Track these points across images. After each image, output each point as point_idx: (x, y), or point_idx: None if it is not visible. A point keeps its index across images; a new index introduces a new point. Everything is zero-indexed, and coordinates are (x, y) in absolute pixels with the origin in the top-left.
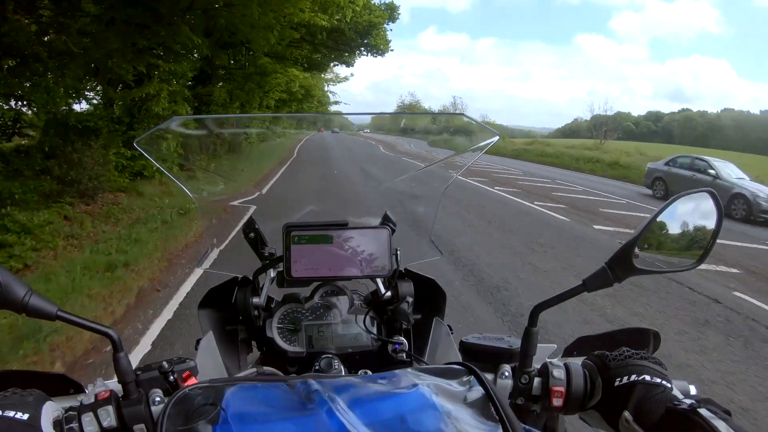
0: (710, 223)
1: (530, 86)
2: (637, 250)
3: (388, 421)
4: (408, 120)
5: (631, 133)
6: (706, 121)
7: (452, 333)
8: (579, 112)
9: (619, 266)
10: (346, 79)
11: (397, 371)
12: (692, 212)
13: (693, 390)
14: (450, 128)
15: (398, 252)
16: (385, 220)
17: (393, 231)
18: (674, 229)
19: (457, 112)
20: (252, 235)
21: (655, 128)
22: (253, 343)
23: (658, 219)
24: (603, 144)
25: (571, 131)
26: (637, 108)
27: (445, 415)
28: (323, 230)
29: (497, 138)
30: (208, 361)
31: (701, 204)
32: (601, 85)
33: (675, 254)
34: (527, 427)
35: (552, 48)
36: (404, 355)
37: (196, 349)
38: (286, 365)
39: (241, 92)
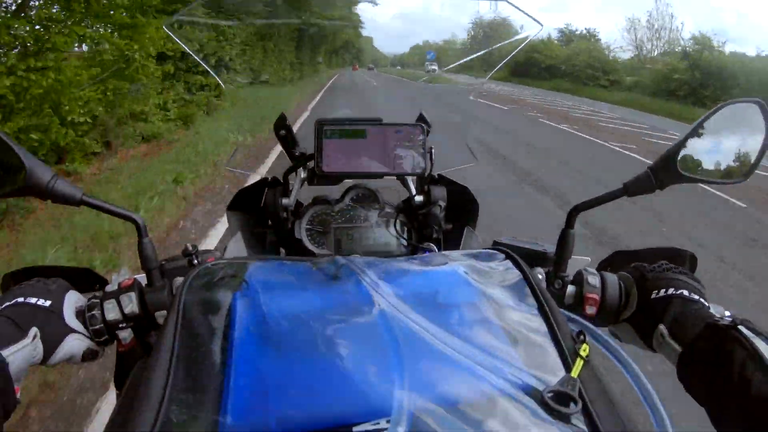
0: (758, 136)
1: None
2: (682, 155)
3: (420, 293)
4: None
5: None
6: None
7: (499, 239)
8: None
9: (663, 171)
10: None
11: (432, 253)
12: (740, 122)
13: (728, 314)
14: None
15: (433, 151)
16: (420, 120)
17: (428, 131)
18: (720, 137)
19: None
20: (283, 132)
21: None
22: (282, 250)
23: (705, 126)
24: None
25: None
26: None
27: (479, 292)
28: (357, 125)
29: (541, 28)
30: None
31: (749, 114)
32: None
33: (721, 164)
34: (565, 311)
35: None
36: None
37: (224, 252)
38: None
39: None
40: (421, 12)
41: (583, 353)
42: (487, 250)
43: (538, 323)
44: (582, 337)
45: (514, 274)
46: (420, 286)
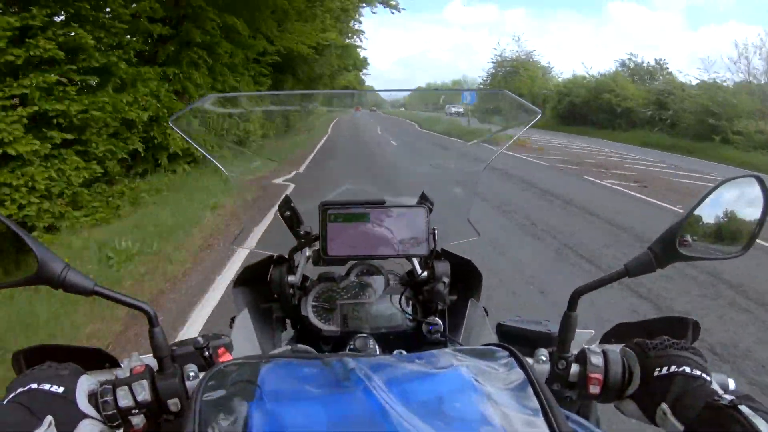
0: (756, 210)
1: (562, 56)
2: (683, 235)
3: (427, 401)
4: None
5: None
6: None
7: (487, 315)
8: None
9: (663, 251)
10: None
11: (434, 351)
12: (738, 198)
13: (732, 384)
14: (490, 106)
15: (436, 231)
16: (423, 199)
17: (431, 210)
18: (719, 214)
19: (498, 89)
20: (288, 213)
21: None
22: (288, 322)
23: (703, 204)
24: None
25: None
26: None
27: (485, 397)
28: (360, 208)
29: (539, 115)
30: (243, 338)
31: (747, 190)
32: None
33: (720, 241)
34: (567, 412)
35: (582, 17)
36: (439, 335)
37: (231, 326)
38: (320, 344)
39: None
40: (418, 57)
41: None
42: (491, 348)
43: (541, 427)
44: None
45: (518, 373)
46: (426, 393)
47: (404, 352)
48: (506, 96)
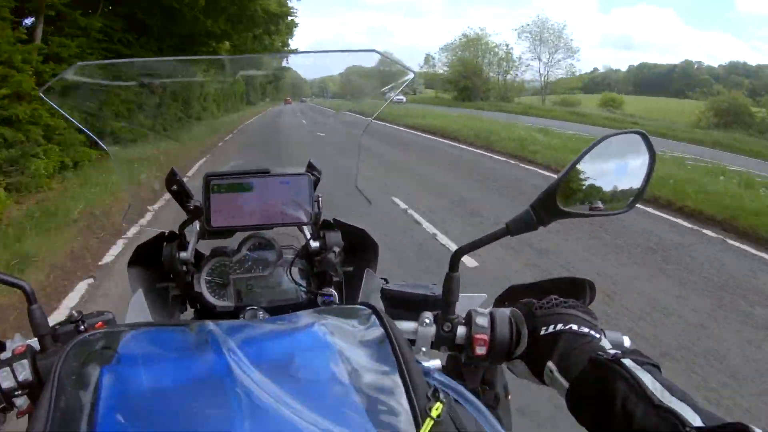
0: (642, 165)
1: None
2: (562, 190)
3: (278, 360)
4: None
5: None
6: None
7: (387, 284)
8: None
9: (544, 209)
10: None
11: (300, 312)
12: (623, 153)
13: (627, 341)
14: (362, 68)
15: (320, 199)
16: (310, 168)
17: (317, 179)
18: (603, 169)
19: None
20: (174, 187)
21: None
22: (187, 301)
23: (587, 159)
24: None
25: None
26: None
27: (337, 354)
28: (243, 178)
29: (412, 76)
30: (139, 320)
31: (632, 145)
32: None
33: (604, 196)
34: (428, 367)
35: None
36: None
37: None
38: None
39: None
40: (333, 40)
41: (434, 413)
42: (355, 307)
43: (394, 383)
44: (437, 394)
45: (379, 331)
46: (279, 352)
47: None
48: (378, 57)
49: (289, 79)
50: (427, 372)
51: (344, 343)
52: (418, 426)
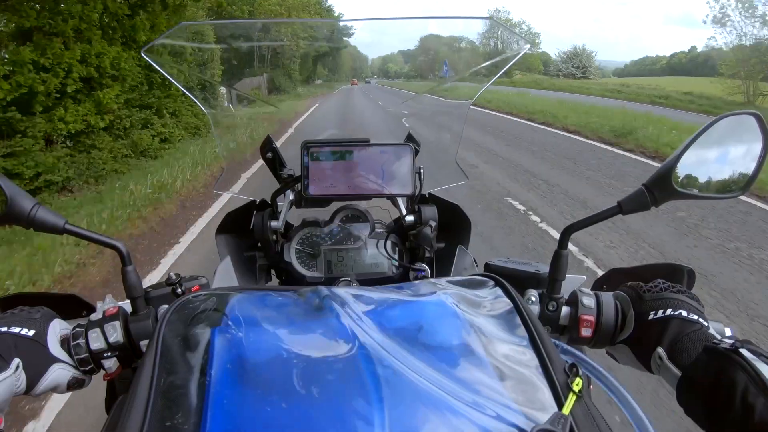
0: (755, 148)
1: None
2: (677, 171)
3: (405, 328)
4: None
5: None
6: None
7: (477, 265)
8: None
9: (658, 188)
10: None
11: (416, 281)
12: (737, 135)
13: (729, 332)
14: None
15: (422, 171)
16: (409, 140)
17: (417, 151)
18: (717, 151)
19: (485, 16)
20: (270, 155)
21: None
22: (273, 272)
23: (700, 140)
24: None
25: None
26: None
27: (467, 324)
28: (343, 146)
29: (528, 47)
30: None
31: (746, 126)
32: None
33: (718, 178)
34: (558, 341)
35: None
36: None
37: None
38: None
39: None
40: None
41: (576, 388)
42: (477, 277)
43: (529, 356)
44: (575, 370)
45: (505, 303)
46: (405, 320)
47: None
48: (494, 24)
49: (348, 58)
50: (557, 345)
51: (472, 313)
52: (559, 400)
